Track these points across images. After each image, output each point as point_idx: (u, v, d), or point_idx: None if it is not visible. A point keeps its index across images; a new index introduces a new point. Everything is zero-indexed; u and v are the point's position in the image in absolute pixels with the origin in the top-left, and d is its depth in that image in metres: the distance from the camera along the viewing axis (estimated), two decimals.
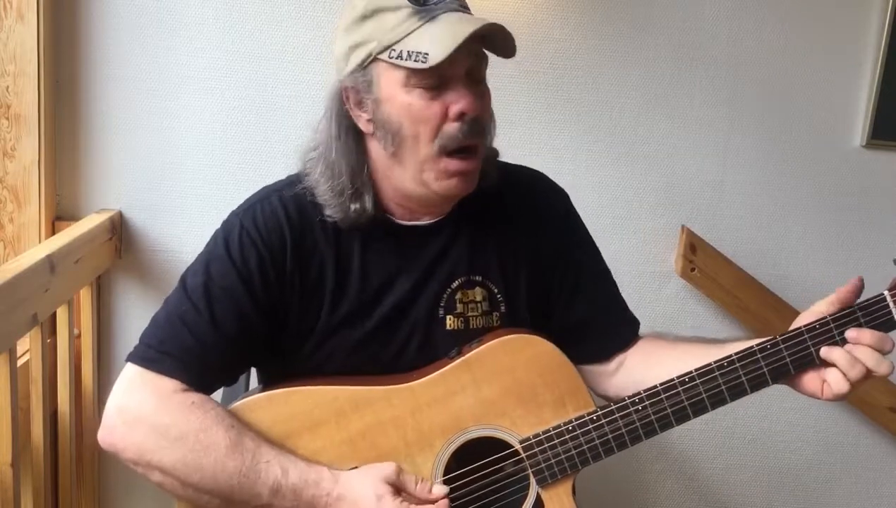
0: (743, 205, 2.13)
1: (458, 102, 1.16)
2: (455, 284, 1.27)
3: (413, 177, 1.20)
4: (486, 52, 1.21)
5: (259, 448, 1.14)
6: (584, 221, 1.40)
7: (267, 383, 1.32)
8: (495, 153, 1.32)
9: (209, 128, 1.96)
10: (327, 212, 1.22)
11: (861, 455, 2.26)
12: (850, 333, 1.16)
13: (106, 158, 1.95)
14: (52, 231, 1.91)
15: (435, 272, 1.27)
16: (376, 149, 1.23)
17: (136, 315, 1.99)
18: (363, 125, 1.22)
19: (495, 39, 1.17)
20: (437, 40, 1.12)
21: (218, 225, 1.27)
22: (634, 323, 1.39)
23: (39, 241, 1.86)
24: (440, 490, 1.18)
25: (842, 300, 1.18)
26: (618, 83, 2.05)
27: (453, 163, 1.18)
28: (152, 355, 1.17)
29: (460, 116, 1.16)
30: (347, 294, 1.24)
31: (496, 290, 1.29)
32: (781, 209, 2.14)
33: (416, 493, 1.16)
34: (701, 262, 2.08)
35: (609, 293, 1.39)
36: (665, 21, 2.04)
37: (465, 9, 1.20)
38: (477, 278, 1.28)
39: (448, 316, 1.26)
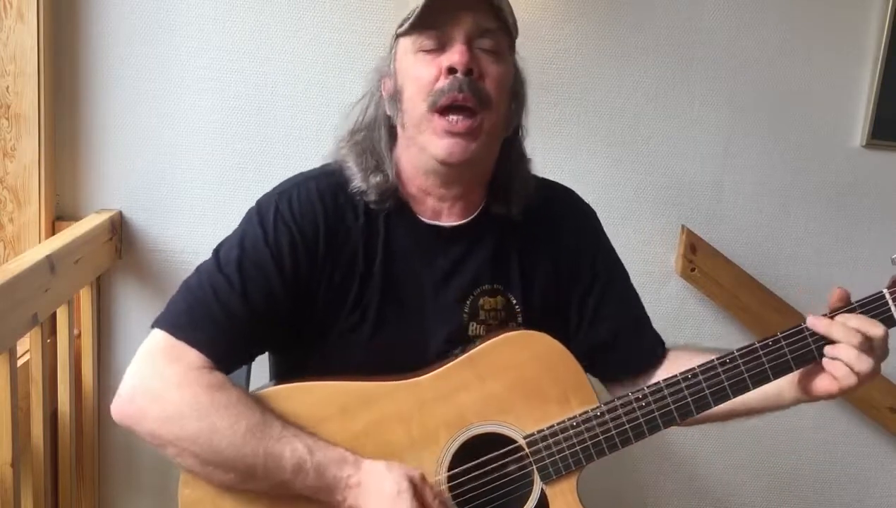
0: (743, 205, 2.13)
1: (450, 59, 1.16)
2: (477, 291, 1.27)
3: (417, 147, 1.21)
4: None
5: (285, 427, 1.13)
6: None
7: (279, 375, 1.32)
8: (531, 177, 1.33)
9: (209, 128, 1.96)
10: (353, 183, 1.24)
11: (861, 455, 2.26)
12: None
13: (106, 158, 1.95)
14: (52, 231, 1.90)
15: (456, 276, 1.27)
16: (400, 136, 1.25)
17: (136, 315, 1.99)
18: (389, 110, 1.25)
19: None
20: None
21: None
22: (659, 343, 1.39)
23: (39, 241, 1.85)
24: None
25: None
26: (618, 83, 2.05)
27: (442, 122, 1.17)
28: (182, 324, 1.16)
29: (451, 71, 1.16)
30: (372, 287, 1.24)
31: (514, 301, 1.29)
32: (781, 209, 2.14)
33: (430, 504, 1.14)
34: (701, 262, 2.08)
35: (636, 315, 1.39)
36: (665, 21, 2.04)
37: None
38: (498, 287, 1.28)
39: (472, 323, 1.26)
